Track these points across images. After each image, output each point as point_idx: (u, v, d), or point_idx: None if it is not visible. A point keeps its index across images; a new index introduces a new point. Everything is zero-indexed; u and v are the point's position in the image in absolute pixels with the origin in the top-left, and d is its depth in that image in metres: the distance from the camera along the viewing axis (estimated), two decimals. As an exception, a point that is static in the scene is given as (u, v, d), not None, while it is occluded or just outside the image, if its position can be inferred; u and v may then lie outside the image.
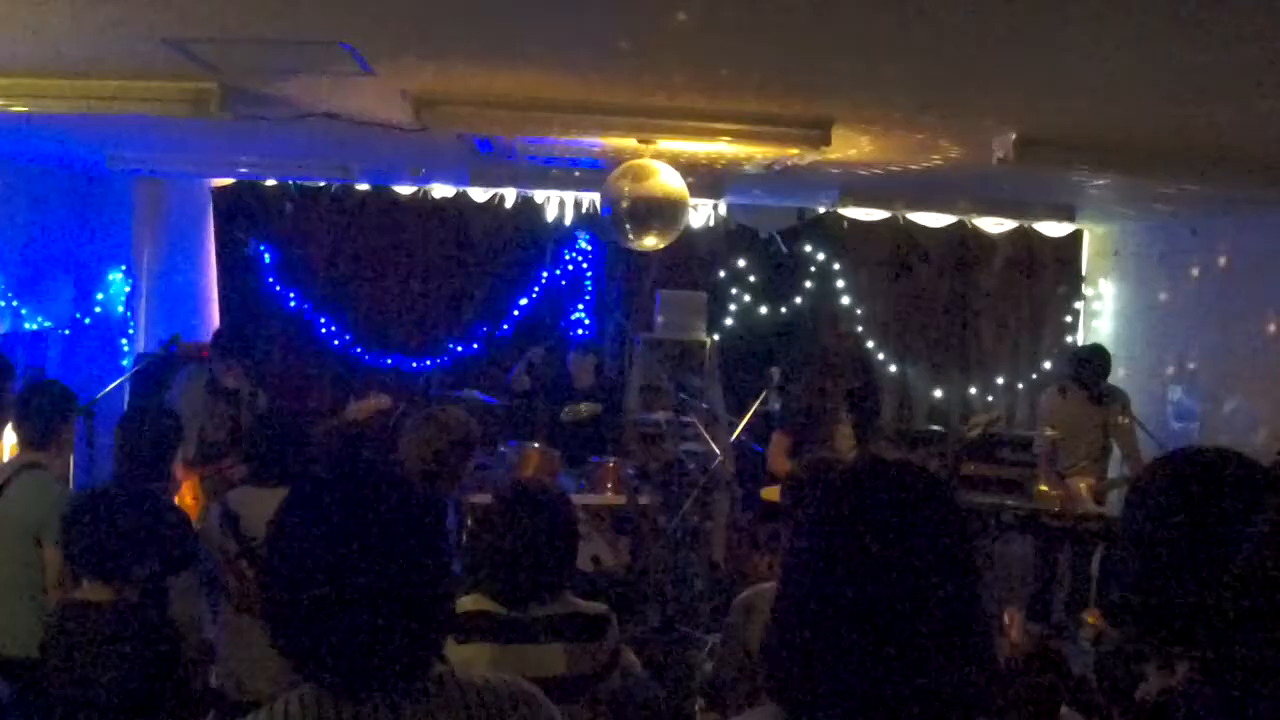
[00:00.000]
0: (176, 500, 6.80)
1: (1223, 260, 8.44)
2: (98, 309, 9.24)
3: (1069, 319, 10.59)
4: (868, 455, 6.85)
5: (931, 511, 1.90)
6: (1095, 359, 8.23)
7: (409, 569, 2.04)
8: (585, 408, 8.89)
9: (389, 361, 10.37)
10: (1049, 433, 8.08)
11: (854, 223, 10.36)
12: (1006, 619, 4.39)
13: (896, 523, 1.86)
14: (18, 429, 5.16)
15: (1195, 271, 8.78)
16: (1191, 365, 8.75)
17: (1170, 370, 8.97)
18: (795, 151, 6.12)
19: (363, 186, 10.23)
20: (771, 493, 7.19)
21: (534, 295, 10.51)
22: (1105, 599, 6.65)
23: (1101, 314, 10.38)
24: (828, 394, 7.68)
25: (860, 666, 1.80)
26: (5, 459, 5.56)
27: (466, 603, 3.93)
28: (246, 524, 4.69)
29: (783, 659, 1.90)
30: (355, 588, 1.98)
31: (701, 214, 10.15)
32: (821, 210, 10.32)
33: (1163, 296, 9.33)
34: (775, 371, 8.40)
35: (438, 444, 4.79)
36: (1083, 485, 7.77)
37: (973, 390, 10.58)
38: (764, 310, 10.54)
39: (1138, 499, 2.39)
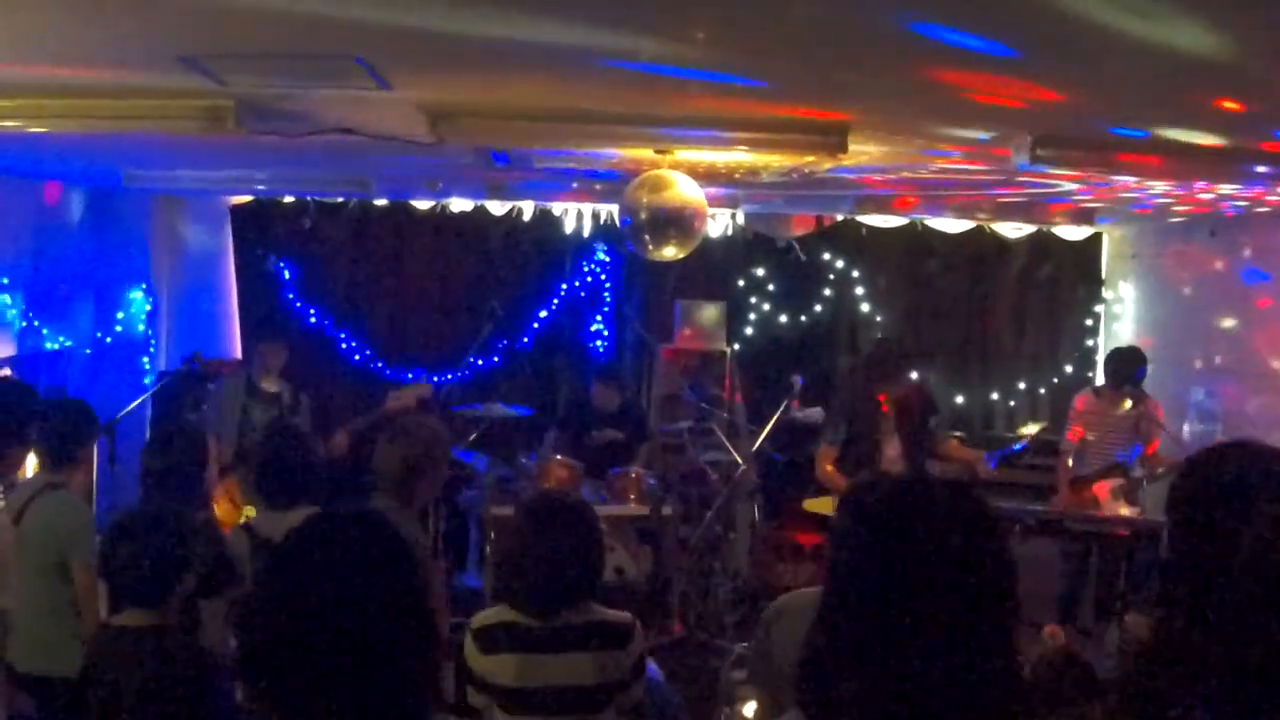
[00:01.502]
0: (215, 507, 6.85)
1: (1242, 260, 8.39)
2: (118, 328, 9.27)
3: (1089, 322, 10.56)
4: (917, 473, 6.77)
5: (977, 534, 1.92)
6: (1135, 358, 8.18)
7: (390, 623, 1.99)
8: (608, 434, 8.89)
9: (409, 376, 10.38)
10: (1078, 435, 8.03)
11: (871, 229, 10.35)
12: (1048, 634, 4.35)
13: (942, 544, 1.88)
14: (37, 448, 5.15)
15: (1215, 272, 8.73)
16: (1213, 366, 8.70)
17: (1192, 371, 8.92)
18: (812, 159, 6.11)
19: (380, 201, 10.26)
20: (816, 504, 7.15)
21: (553, 307, 10.52)
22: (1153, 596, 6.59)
23: (1122, 317, 10.34)
24: (873, 404, 7.59)
25: (897, 685, 1.81)
26: (26, 477, 5.55)
27: (491, 614, 3.93)
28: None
29: (822, 672, 1.90)
30: (337, 645, 1.93)
31: (720, 223, 10.15)
32: (840, 217, 10.31)
33: (1183, 298, 9.28)
34: (797, 379, 8.38)
35: (410, 457, 4.81)
36: (1110, 488, 7.72)
37: (994, 395, 10.55)
38: (783, 318, 10.54)
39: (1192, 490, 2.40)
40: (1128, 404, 7.97)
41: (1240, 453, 2.47)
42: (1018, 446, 8.29)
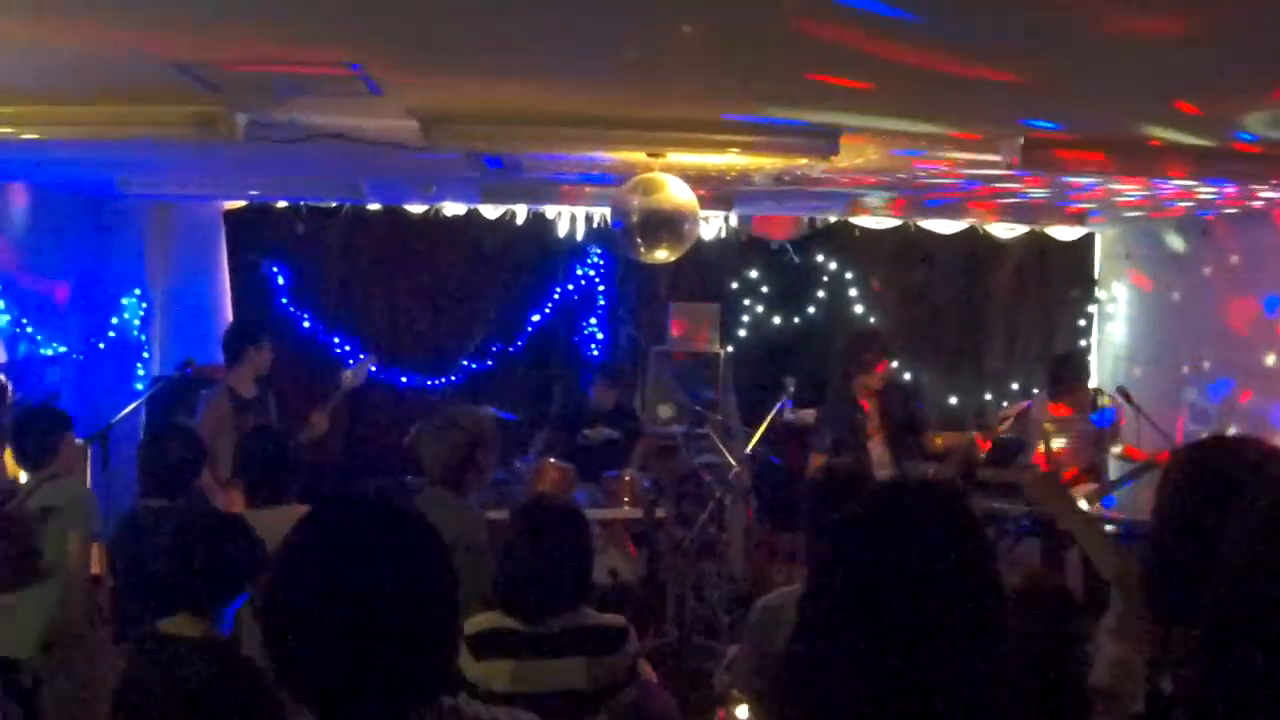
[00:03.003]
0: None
1: (1235, 259, 8.40)
2: (112, 333, 9.26)
3: (1082, 323, 10.57)
4: (901, 475, 6.80)
5: (955, 534, 1.93)
6: (1067, 364, 8.28)
7: (413, 598, 2.01)
8: (601, 432, 8.91)
9: (403, 380, 10.40)
10: (1052, 443, 8.05)
11: (864, 230, 10.36)
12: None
13: (919, 546, 1.89)
14: (17, 457, 5.35)
15: (1208, 272, 8.74)
16: (1206, 366, 8.72)
17: (1185, 371, 8.93)
18: (804, 161, 6.12)
19: (374, 206, 10.26)
20: None
21: (547, 311, 10.53)
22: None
23: (1115, 317, 10.35)
24: (852, 403, 7.64)
25: (878, 688, 1.82)
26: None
27: (484, 620, 3.94)
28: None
29: (804, 676, 1.91)
30: (359, 617, 1.95)
31: (712, 225, 10.16)
32: (832, 219, 10.32)
33: (1176, 298, 9.29)
34: (790, 381, 8.39)
35: (461, 446, 4.82)
36: (1083, 493, 7.74)
37: (988, 396, 10.56)
38: (777, 320, 10.55)
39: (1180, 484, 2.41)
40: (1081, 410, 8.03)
41: (1228, 448, 2.48)
42: (1003, 425, 8.30)
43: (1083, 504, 7.64)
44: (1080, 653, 3.76)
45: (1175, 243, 9.10)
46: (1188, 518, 2.39)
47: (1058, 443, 8.02)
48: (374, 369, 10.23)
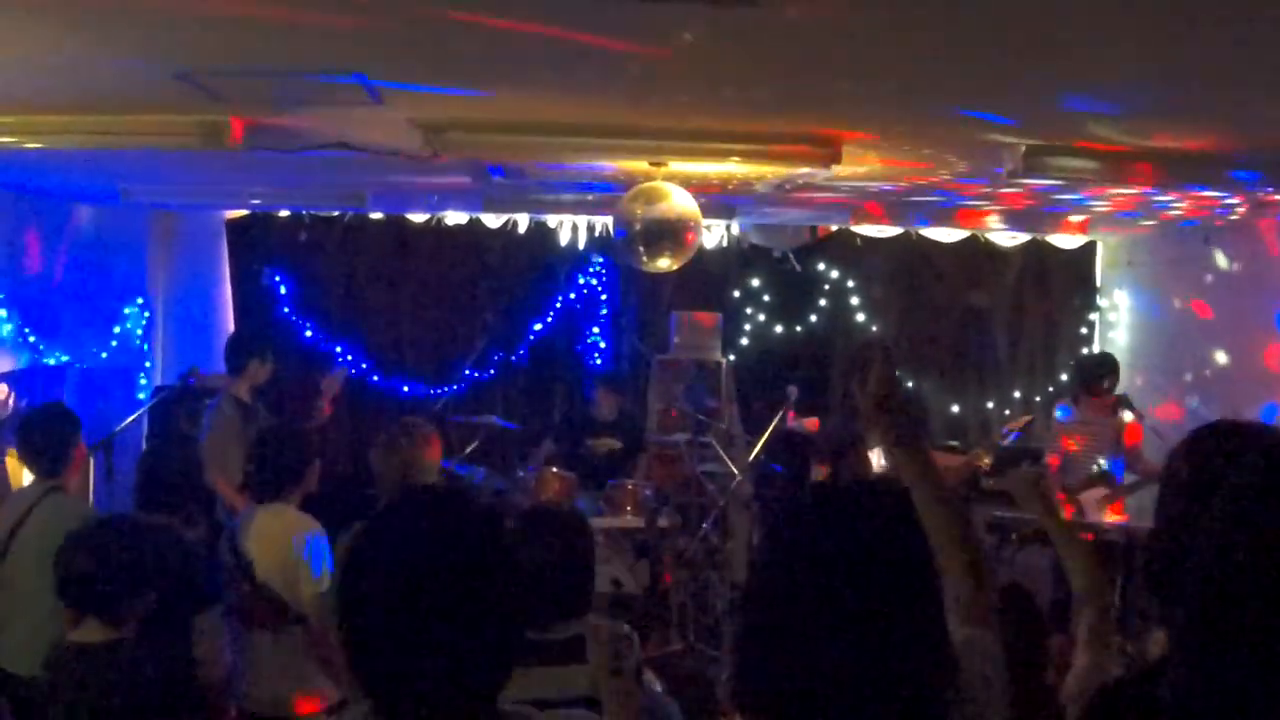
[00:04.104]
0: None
1: (1237, 266, 8.40)
2: (115, 343, 9.27)
3: (1084, 330, 10.57)
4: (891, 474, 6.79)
5: (888, 531, 1.98)
6: (1102, 366, 8.22)
7: (483, 597, 2.02)
8: (606, 443, 8.90)
9: (406, 389, 10.41)
10: (1065, 445, 8.05)
11: (866, 239, 10.37)
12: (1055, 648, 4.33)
13: (852, 542, 1.94)
14: (27, 461, 5.20)
15: (1209, 279, 8.74)
16: (1208, 373, 8.71)
17: (1187, 379, 8.93)
18: (805, 170, 6.13)
19: (376, 215, 10.27)
20: None
21: (549, 320, 10.54)
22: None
23: (1117, 324, 10.35)
24: (853, 408, 7.61)
25: (818, 682, 1.88)
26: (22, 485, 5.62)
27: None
28: (242, 540, 4.74)
29: (750, 671, 1.99)
30: (430, 614, 1.96)
31: (714, 234, 10.17)
32: (834, 227, 10.33)
33: (1177, 305, 9.29)
34: (793, 390, 8.39)
35: (408, 455, 4.85)
36: (1096, 498, 7.74)
37: (990, 404, 10.56)
38: (779, 329, 10.55)
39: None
40: (1107, 413, 8.00)
41: (1224, 433, 2.44)
42: (1012, 436, 8.30)
43: (1093, 509, 7.68)
44: (1046, 661, 3.76)
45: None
46: (1181, 505, 2.37)
47: (1075, 445, 8.01)
48: (376, 378, 10.31)
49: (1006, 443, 8.26)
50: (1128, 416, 8.03)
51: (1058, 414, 8.41)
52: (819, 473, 7.51)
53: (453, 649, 1.98)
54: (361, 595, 2.02)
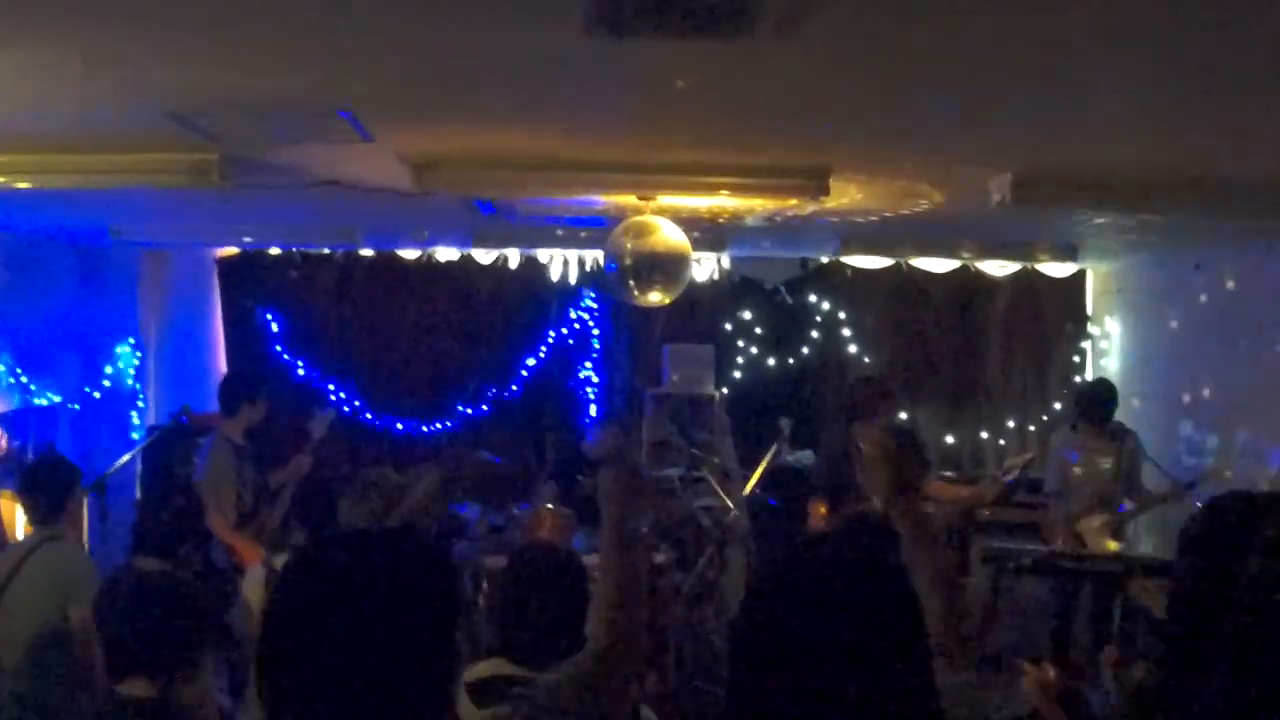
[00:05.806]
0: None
1: (1228, 293, 8.40)
2: (106, 382, 9.25)
3: (1076, 359, 10.56)
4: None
5: (877, 583, 2.04)
6: (1102, 393, 8.20)
7: (410, 637, 1.94)
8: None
9: (399, 426, 10.38)
10: (1064, 473, 8.03)
11: (857, 270, 10.38)
12: (1025, 670, 4.31)
13: (841, 597, 2.00)
14: (27, 507, 5.23)
15: (1201, 305, 8.74)
16: (1201, 399, 8.71)
17: (1180, 405, 8.92)
18: (795, 202, 6.14)
19: (367, 251, 10.28)
20: None
21: (541, 355, 10.52)
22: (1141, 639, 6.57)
23: (1109, 352, 10.35)
24: (852, 454, 7.54)
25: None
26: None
27: (486, 668, 3.91)
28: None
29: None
30: (353, 655, 1.89)
31: (705, 267, 10.18)
32: (825, 259, 10.34)
33: (1169, 331, 9.29)
34: (786, 423, 8.37)
35: (378, 514, 4.83)
36: (1095, 525, 7.72)
37: (984, 434, 10.55)
38: (771, 361, 10.54)
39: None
40: (1105, 441, 7.99)
41: (1251, 504, 2.46)
42: (1008, 480, 8.28)
43: (1094, 536, 7.66)
44: None
45: (1165, 277, 9.04)
46: (1199, 574, 2.39)
47: (1077, 472, 8.00)
48: (370, 416, 10.27)
49: (1010, 478, 8.23)
50: (1126, 443, 8.02)
51: (1055, 442, 8.39)
52: (816, 510, 7.48)
53: (377, 695, 1.89)
54: (275, 640, 1.95)
